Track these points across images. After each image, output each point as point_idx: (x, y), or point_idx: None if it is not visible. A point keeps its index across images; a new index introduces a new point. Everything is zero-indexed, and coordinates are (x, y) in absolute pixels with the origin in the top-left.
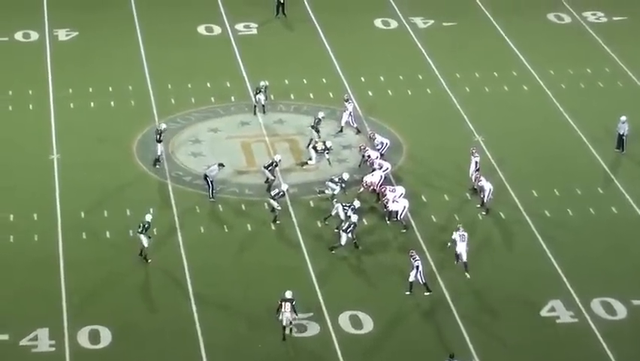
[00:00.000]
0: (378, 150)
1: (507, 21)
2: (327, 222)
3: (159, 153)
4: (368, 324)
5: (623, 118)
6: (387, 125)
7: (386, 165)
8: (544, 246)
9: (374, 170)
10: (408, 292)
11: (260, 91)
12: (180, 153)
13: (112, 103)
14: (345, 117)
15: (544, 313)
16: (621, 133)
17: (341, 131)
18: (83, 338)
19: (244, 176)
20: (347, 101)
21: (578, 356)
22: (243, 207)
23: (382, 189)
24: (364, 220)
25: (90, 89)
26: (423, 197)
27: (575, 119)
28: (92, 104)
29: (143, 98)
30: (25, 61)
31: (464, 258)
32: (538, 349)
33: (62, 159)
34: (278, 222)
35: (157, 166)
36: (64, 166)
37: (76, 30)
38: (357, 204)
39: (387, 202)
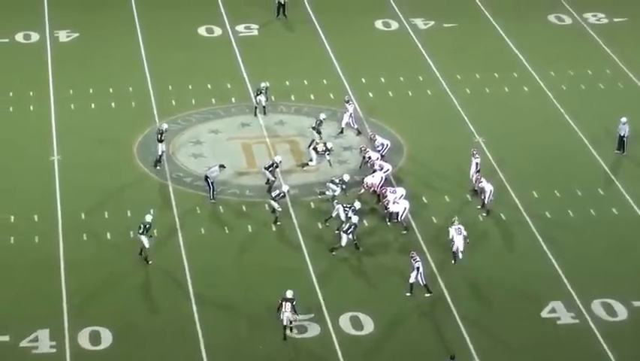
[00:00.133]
0: (379, 151)
1: (507, 22)
2: (327, 224)
3: (160, 153)
4: (368, 325)
5: (624, 119)
6: (387, 126)
7: (387, 166)
8: (545, 247)
9: (375, 171)
10: (408, 294)
11: (261, 92)
12: (181, 154)
13: (112, 104)
14: (346, 118)
15: (544, 314)
16: (622, 134)
17: (342, 132)
18: (83, 339)
19: (245, 177)
20: (348, 102)
21: (578, 357)
22: (244, 208)
23: (383, 191)
24: (365, 221)
25: (91, 90)
26: (423, 198)
27: (576, 120)
28: (93, 105)
29: (143, 99)
30: (26, 62)
31: (460, 249)
32: (538, 350)
33: (63, 160)
34: (278, 223)
35: (157, 167)
36: (64, 167)
37: (77, 31)
38: (357, 205)
39: (387, 203)
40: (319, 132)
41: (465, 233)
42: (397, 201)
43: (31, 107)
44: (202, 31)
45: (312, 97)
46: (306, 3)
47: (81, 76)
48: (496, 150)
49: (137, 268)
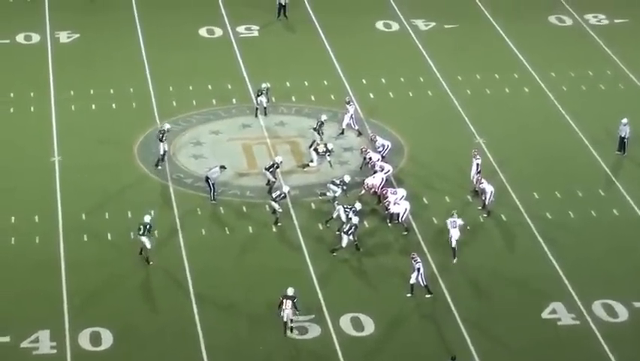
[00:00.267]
0: (380, 152)
1: (508, 23)
2: (328, 225)
3: (162, 153)
4: (369, 326)
5: (625, 120)
6: (388, 127)
7: (387, 167)
8: (546, 248)
9: (375, 172)
10: (409, 295)
11: (261, 93)
12: (181, 155)
13: (113, 105)
14: (347, 119)
15: (545, 315)
16: (622, 135)
17: (342, 133)
18: (84, 340)
19: (245, 178)
20: (348, 103)
21: (579, 358)
22: (244, 209)
23: (384, 192)
24: (365, 222)
25: (91, 91)
26: (424, 199)
27: (577, 121)
28: (94, 106)
29: (144, 100)
30: (27, 63)
31: (453, 243)
32: (539, 351)
33: (63, 161)
34: (279, 224)
35: (159, 167)
36: (65, 168)
37: (78, 32)
38: (358, 206)
39: (388, 204)
40: (320, 133)
41: (461, 223)
42: (398, 202)
43: (32, 108)
44: (203, 32)
45: (312, 98)
46: (306, 4)
47: (82, 77)
48: (497, 151)
49: (137, 269)
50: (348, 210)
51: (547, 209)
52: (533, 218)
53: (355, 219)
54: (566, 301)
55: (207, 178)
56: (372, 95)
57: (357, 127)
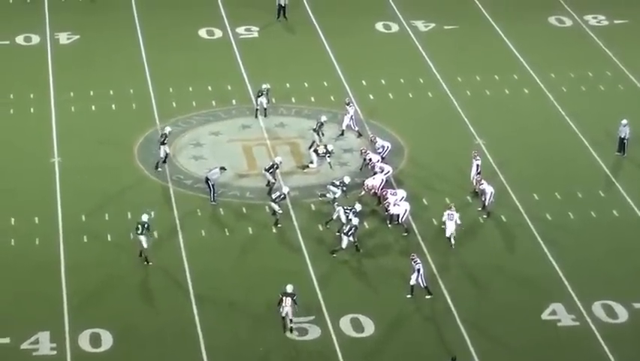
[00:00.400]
0: (380, 153)
1: (508, 24)
2: (328, 226)
3: (162, 156)
4: (369, 327)
5: (624, 121)
6: (388, 128)
7: (387, 168)
8: (546, 249)
9: (375, 173)
10: (409, 296)
11: (262, 94)
12: (181, 157)
13: (113, 106)
14: (347, 121)
15: (545, 316)
16: (622, 136)
17: (342, 134)
18: (84, 342)
19: (245, 179)
20: (348, 104)
21: (579, 359)
22: (244, 210)
23: (383, 193)
24: (365, 223)
25: (91, 93)
26: (424, 200)
27: (576, 122)
28: (93, 107)
29: (144, 101)
30: (27, 64)
31: (448, 234)
32: (539, 352)
33: (63, 162)
34: (279, 225)
35: (159, 169)
36: (65, 169)
37: (78, 33)
38: (358, 207)
39: (388, 205)
40: (320, 134)
41: (458, 220)
42: (398, 203)
43: (32, 110)
44: (202, 33)
45: (312, 99)
46: (306, 5)
47: (81, 78)
48: (497, 152)
49: (137, 270)
50: (348, 211)
51: (547, 210)
52: (533, 219)
53: (355, 221)
54: (565, 302)
55: (207, 179)
56: (371, 96)
57: (357, 128)
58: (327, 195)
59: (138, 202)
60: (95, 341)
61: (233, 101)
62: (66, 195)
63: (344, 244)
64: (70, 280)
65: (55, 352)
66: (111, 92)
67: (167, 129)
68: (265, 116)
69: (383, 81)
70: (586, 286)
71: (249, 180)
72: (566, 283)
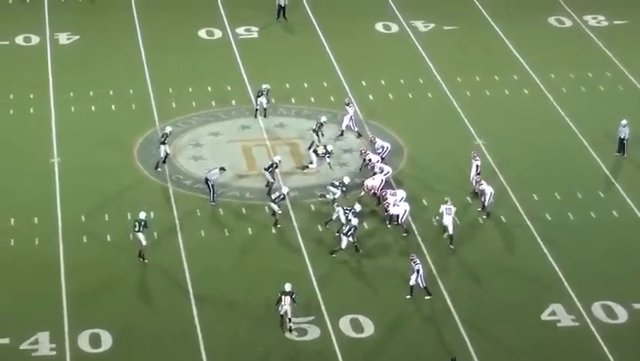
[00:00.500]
0: (379, 153)
1: (508, 24)
2: (327, 226)
3: (162, 156)
4: (369, 328)
5: (624, 122)
6: (388, 128)
7: (387, 168)
8: (545, 249)
9: (375, 174)
10: (408, 296)
11: (262, 94)
12: (181, 157)
13: (113, 107)
14: (346, 121)
15: (544, 316)
16: (622, 137)
17: (342, 134)
18: (83, 342)
19: (245, 179)
20: (348, 104)
21: (578, 360)
22: (244, 210)
23: (383, 193)
24: (365, 224)
25: (91, 93)
26: (424, 201)
27: (576, 122)
28: (93, 107)
29: (143, 101)
30: (26, 65)
31: (450, 230)
32: (539, 353)
33: (63, 162)
34: (279, 225)
35: (159, 169)
36: (64, 170)
37: (77, 34)
38: (358, 207)
39: (388, 206)
40: (319, 135)
41: (454, 216)
42: (398, 204)
43: (32, 110)
44: (202, 33)
45: (312, 99)
46: (306, 5)
47: (81, 78)
48: (497, 153)
49: (137, 271)
50: (347, 211)
51: (547, 210)
52: (533, 219)
53: (355, 221)
54: (565, 302)
55: (207, 180)
56: (371, 97)
57: (356, 129)
58: (327, 195)
59: (138, 203)
60: (95, 341)
61: (233, 102)
62: (66, 196)
63: (343, 245)
64: (69, 280)
65: (54, 352)
66: (111, 93)
67: (168, 129)
68: (265, 116)
69: (383, 82)
70: (585, 287)
71: (248, 181)
72: (566, 283)
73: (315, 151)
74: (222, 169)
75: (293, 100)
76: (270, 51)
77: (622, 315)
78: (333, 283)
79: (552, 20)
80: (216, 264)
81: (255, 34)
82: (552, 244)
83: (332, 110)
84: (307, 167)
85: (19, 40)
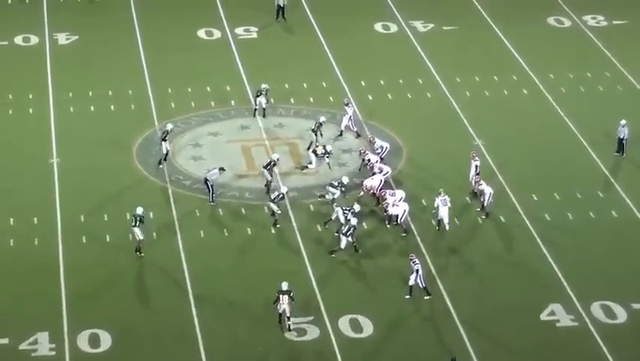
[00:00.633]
0: (378, 153)
1: (507, 24)
2: (327, 226)
3: (165, 152)
4: (368, 328)
5: (623, 122)
6: (387, 129)
7: (386, 168)
8: (545, 250)
9: (374, 174)
10: (408, 296)
11: (261, 93)
12: (180, 157)
13: (112, 107)
14: (345, 121)
15: (544, 316)
16: (621, 137)
17: (341, 135)
18: (82, 342)
19: (244, 180)
20: (347, 105)
21: (578, 360)
22: (243, 210)
23: (382, 193)
24: (364, 224)
25: (90, 93)
26: (423, 201)
27: (575, 122)
28: (92, 107)
29: (143, 102)
30: (25, 65)
31: (446, 221)
32: (538, 353)
33: (62, 162)
34: (278, 226)
35: (161, 166)
36: (64, 170)
37: (76, 34)
38: (357, 207)
39: (387, 206)
40: (318, 135)
41: (450, 205)
42: (397, 204)
43: (31, 110)
44: (201, 33)
45: (311, 100)
46: (305, 5)
47: (80, 79)
48: (496, 153)
49: (136, 271)
50: (346, 211)
51: (546, 211)
52: (532, 220)
53: (354, 221)
54: (564, 302)
55: (206, 180)
56: (370, 97)
57: (355, 129)
58: (326, 195)
59: (137, 203)
60: (94, 341)
61: (232, 102)
62: (65, 196)
63: (343, 245)
64: (69, 280)
65: (54, 352)
66: (110, 93)
67: (169, 126)
68: (264, 116)
69: (382, 82)
70: (585, 287)
71: (247, 181)
72: (565, 283)
73: (314, 151)
74: (222, 169)
75: (292, 100)
76: (269, 51)
77: (621, 315)
78: (332, 283)
79: (551, 20)
80: (215, 264)
81: (254, 35)
82: (551, 244)
83: (331, 111)
84: (306, 167)
85: (19, 40)
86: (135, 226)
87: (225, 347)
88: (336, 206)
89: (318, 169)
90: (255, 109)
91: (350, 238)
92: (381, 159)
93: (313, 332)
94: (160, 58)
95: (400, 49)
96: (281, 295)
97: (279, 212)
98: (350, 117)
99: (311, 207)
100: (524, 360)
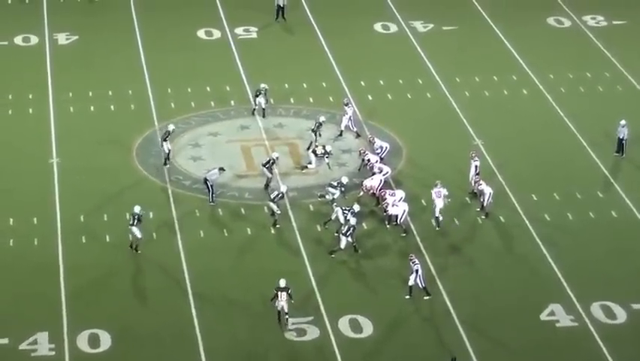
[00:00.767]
0: (378, 153)
1: (507, 25)
2: (327, 227)
3: (167, 152)
4: (368, 328)
5: (623, 122)
6: (386, 129)
7: (386, 168)
8: (544, 250)
9: (374, 174)
10: (407, 296)
11: (259, 93)
12: (180, 157)
13: (112, 107)
14: (345, 121)
15: (543, 317)
16: (621, 137)
17: (341, 135)
18: (82, 342)
19: (244, 180)
20: (347, 105)
21: (577, 360)
22: (243, 211)
23: (382, 193)
24: (364, 224)
25: (90, 93)
26: (423, 201)
27: (575, 123)
28: (92, 107)
29: (142, 102)
30: (25, 65)
31: (437, 212)
32: (537, 353)
33: (62, 163)
34: (278, 226)
35: (167, 165)
36: (63, 170)
37: (76, 34)
38: (356, 207)
39: (386, 206)
40: (317, 134)
41: (446, 193)
42: (396, 204)
43: (31, 110)
44: (201, 33)
45: (311, 100)
46: (305, 6)
47: (80, 79)
48: (496, 153)
49: (136, 271)
50: (346, 211)
51: (546, 211)
52: (532, 220)
53: (353, 221)
54: (564, 302)
55: (206, 180)
56: (370, 97)
57: (355, 129)
58: (326, 196)
59: (137, 203)
60: (94, 341)
61: (232, 102)
62: (65, 196)
63: (342, 245)
64: (68, 280)
65: (53, 352)
66: (110, 93)
67: (171, 127)
68: (264, 116)
69: (382, 82)
70: (584, 287)
71: (247, 181)
72: (565, 283)
73: (314, 151)
74: (221, 169)
75: (292, 100)
76: (269, 51)
77: (621, 315)
78: (332, 283)
79: (551, 20)
80: (215, 264)
81: (254, 35)
82: (551, 244)
83: (331, 111)
84: (306, 167)
85: (18, 40)
86: (133, 225)
87: (225, 347)
88: (336, 206)
89: (318, 169)
90: (254, 109)
91: (350, 238)
92: (381, 159)
93: (313, 332)
94: (160, 58)
95: (400, 49)
96: (279, 292)
97: (279, 212)
98: (350, 117)
99: (311, 207)
100: (524, 360)
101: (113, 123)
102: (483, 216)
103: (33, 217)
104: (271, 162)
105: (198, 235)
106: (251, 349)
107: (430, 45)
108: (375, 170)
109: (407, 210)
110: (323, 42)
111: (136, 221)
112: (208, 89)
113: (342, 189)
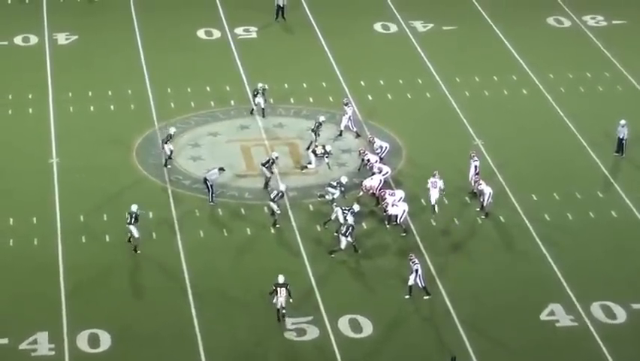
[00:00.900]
0: (378, 153)
1: (507, 25)
2: (326, 226)
3: (168, 153)
4: (367, 328)
5: (623, 122)
6: (386, 129)
7: (386, 168)
8: (544, 249)
9: (374, 174)
10: (407, 296)
11: (258, 93)
12: (180, 157)
13: (111, 107)
14: (345, 121)
15: (543, 316)
16: (621, 137)
17: (340, 135)
18: (82, 342)
19: (244, 180)
20: (347, 105)
21: (577, 360)
22: (243, 210)
23: (382, 193)
24: (364, 224)
25: (90, 93)
26: (422, 201)
27: (575, 123)
28: (92, 107)
29: (142, 102)
30: (25, 65)
31: (433, 201)
32: (537, 353)
33: (62, 162)
34: (277, 226)
35: (168, 166)
36: (63, 170)
37: (76, 34)
38: (356, 207)
39: (386, 206)
40: (317, 134)
41: (441, 185)
42: (396, 204)
43: (31, 110)
44: (201, 33)
45: (311, 99)
46: (305, 5)
47: (80, 78)
48: (496, 153)
49: (135, 271)
50: (346, 211)
51: (546, 211)
52: (532, 220)
53: (351, 220)
54: (564, 302)
55: (206, 180)
56: (370, 97)
57: (355, 129)
58: (326, 196)
59: (137, 203)
60: (94, 341)
61: (232, 102)
62: (64, 196)
63: (342, 245)
64: (68, 280)
65: (53, 352)
66: (110, 93)
67: (172, 130)
68: (263, 116)
69: (382, 82)
70: (584, 287)
71: (247, 181)
72: (565, 283)
73: (313, 151)
74: (221, 169)
75: (292, 100)
76: (269, 51)
77: (621, 315)
78: (331, 283)
79: (551, 20)
80: (215, 264)
81: (254, 35)
82: (551, 244)
83: (331, 110)
84: (306, 167)
85: (18, 40)
86: (130, 223)
87: (225, 346)
88: (336, 206)
89: (318, 169)
90: (252, 109)
91: (349, 238)
92: (381, 159)
93: (313, 332)
94: (159, 58)
95: (400, 49)
96: (278, 288)
97: (279, 212)
98: (349, 117)
99: (310, 207)
100: (524, 360)
101: (113, 123)
102: (483, 216)
103: (33, 217)
104: (271, 161)
105: (198, 235)
106: (251, 349)
107: (429, 45)
108: (375, 170)
109: (407, 210)
110: (323, 42)
111: (133, 220)
112: (208, 89)
113: (342, 189)
